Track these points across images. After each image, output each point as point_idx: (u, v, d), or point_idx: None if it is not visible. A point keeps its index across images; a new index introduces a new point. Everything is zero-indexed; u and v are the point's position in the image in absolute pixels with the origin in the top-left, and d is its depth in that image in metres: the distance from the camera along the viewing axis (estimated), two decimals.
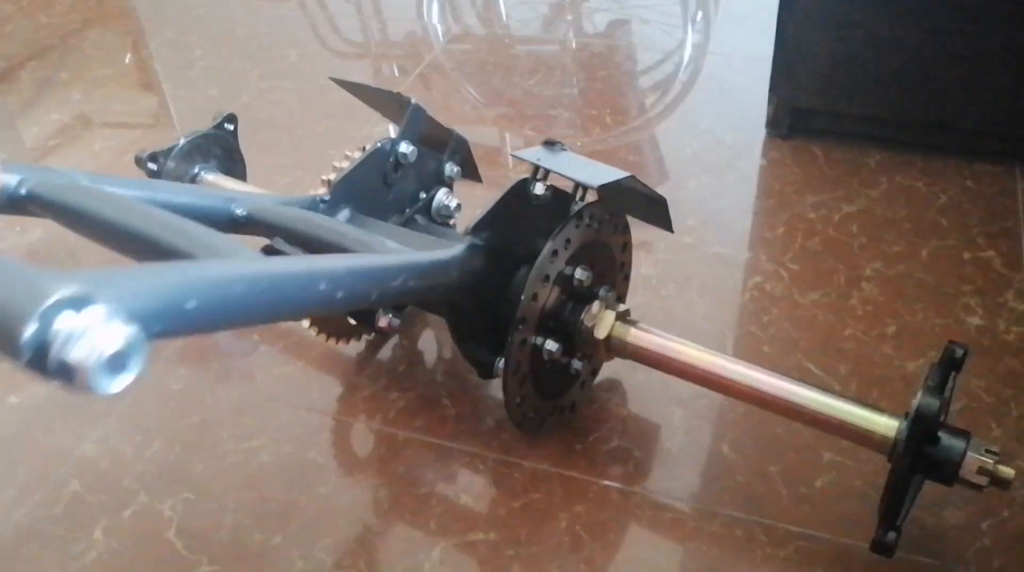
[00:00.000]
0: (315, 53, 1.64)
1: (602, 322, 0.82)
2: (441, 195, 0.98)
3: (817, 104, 1.25)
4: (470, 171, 1.02)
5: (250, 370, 0.99)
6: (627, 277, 0.93)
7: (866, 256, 1.08)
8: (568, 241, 0.80)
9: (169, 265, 0.54)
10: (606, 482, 0.84)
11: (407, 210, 0.95)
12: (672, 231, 0.88)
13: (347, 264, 0.67)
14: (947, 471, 0.69)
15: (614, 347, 0.84)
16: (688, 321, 1.01)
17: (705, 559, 0.77)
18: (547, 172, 0.81)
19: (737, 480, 0.84)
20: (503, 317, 0.80)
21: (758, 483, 0.83)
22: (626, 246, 0.90)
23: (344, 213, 0.88)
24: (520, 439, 0.88)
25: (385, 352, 1.00)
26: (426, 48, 1.64)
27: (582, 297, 0.83)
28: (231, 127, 1.10)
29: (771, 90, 1.27)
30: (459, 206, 0.98)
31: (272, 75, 1.54)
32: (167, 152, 1.03)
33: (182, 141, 1.04)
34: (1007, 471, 0.68)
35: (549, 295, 0.80)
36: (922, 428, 0.67)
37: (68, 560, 0.80)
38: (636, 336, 0.83)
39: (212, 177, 1.06)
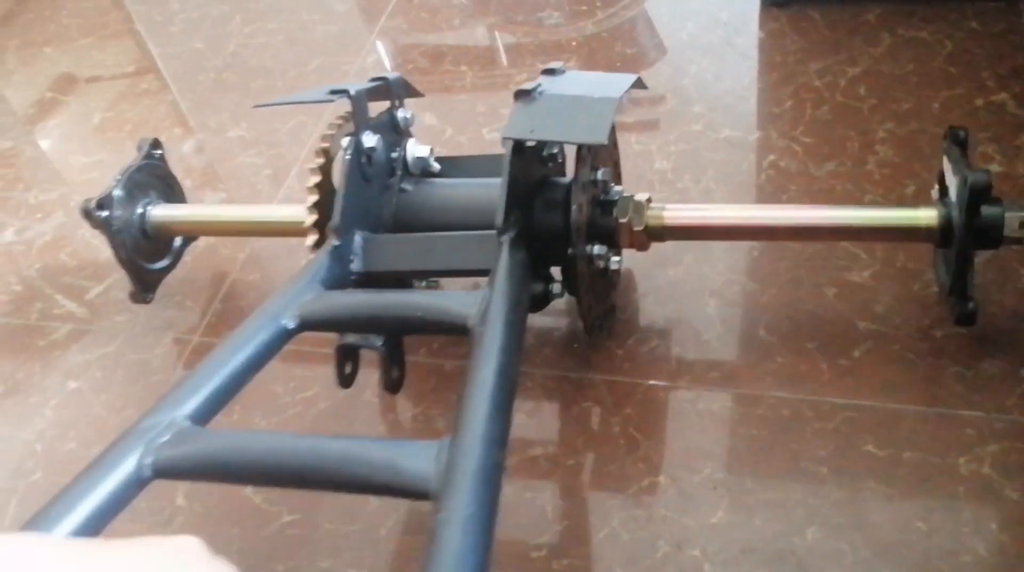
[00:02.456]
0: None
1: (638, 213, 0.84)
2: (411, 148, 0.92)
3: None
4: (412, 94, 0.97)
5: None
6: (617, 163, 0.95)
7: (877, 118, 1.07)
8: (590, 148, 0.81)
9: None
10: (651, 382, 0.87)
11: (390, 181, 0.91)
12: (646, 87, 0.90)
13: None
14: (993, 235, 0.77)
15: (653, 233, 0.85)
16: None
17: (756, 442, 0.81)
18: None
19: (777, 361, 0.86)
20: (549, 243, 0.81)
21: (798, 361, 0.86)
22: (614, 139, 0.93)
23: (357, 239, 0.84)
24: (562, 352, 0.91)
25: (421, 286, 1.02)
26: None
27: (605, 197, 0.85)
28: (159, 152, 1.03)
29: None
30: (431, 150, 0.93)
31: (254, 18, 1.52)
32: (109, 197, 0.96)
33: (119, 181, 0.97)
34: None
35: (586, 203, 0.82)
36: (978, 194, 0.75)
37: (157, 528, 0.84)
38: (672, 217, 0.85)
39: (159, 210, 1.00)
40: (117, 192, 0.96)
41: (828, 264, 0.93)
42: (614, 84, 0.83)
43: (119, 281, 1.09)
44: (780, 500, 0.76)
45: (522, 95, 0.80)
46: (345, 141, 0.84)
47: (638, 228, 0.83)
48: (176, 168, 1.06)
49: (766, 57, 1.20)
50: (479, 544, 0.49)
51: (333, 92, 0.85)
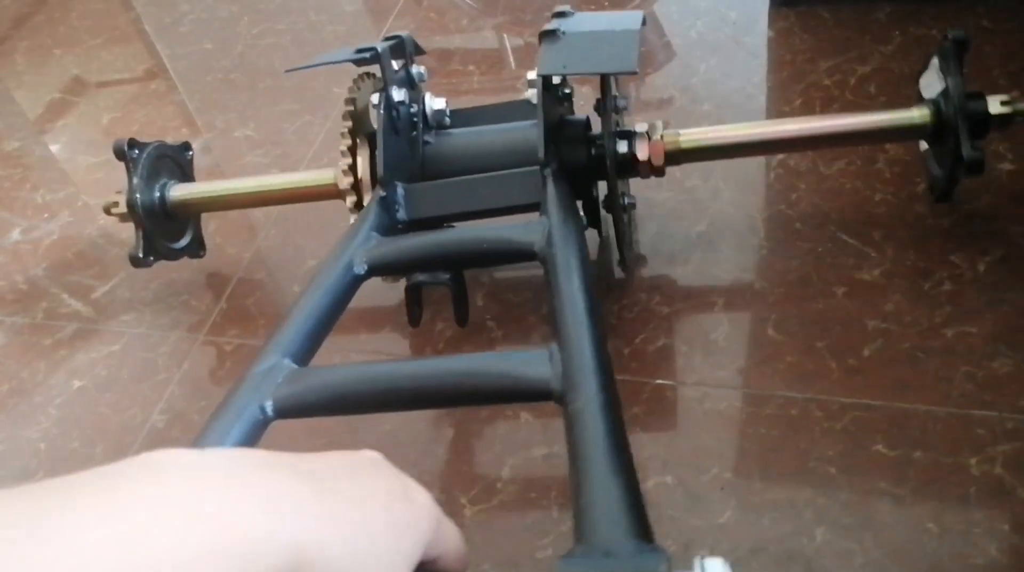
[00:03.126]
0: None
1: (655, 129, 0.87)
2: (429, 102, 0.95)
3: None
4: (419, 51, 0.99)
5: None
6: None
7: None
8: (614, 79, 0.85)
9: None
10: (658, 381, 0.86)
11: (414, 135, 0.93)
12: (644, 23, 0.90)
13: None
14: (980, 116, 0.85)
15: (670, 156, 0.89)
16: (717, 210, 1.01)
17: (765, 441, 0.80)
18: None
19: (786, 361, 0.85)
20: (573, 178, 0.84)
21: (807, 361, 0.85)
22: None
23: (399, 191, 0.87)
24: None
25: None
26: None
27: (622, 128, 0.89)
28: (190, 154, 1.07)
29: None
30: (447, 102, 0.96)
31: (262, 19, 1.52)
32: (144, 145, 0.99)
33: (153, 142, 1.01)
34: None
35: (615, 118, 0.85)
36: (960, 46, 0.84)
37: None
38: (688, 139, 0.89)
39: (179, 188, 1.02)
40: (151, 143, 1.00)
41: (837, 262, 0.92)
42: (628, 19, 0.86)
43: (125, 280, 1.09)
44: (789, 500, 0.75)
45: (548, 35, 0.83)
46: (375, 97, 0.87)
47: (655, 138, 0.87)
48: None
49: (775, 55, 1.19)
50: (618, 421, 0.51)
51: (360, 51, 0.87)
